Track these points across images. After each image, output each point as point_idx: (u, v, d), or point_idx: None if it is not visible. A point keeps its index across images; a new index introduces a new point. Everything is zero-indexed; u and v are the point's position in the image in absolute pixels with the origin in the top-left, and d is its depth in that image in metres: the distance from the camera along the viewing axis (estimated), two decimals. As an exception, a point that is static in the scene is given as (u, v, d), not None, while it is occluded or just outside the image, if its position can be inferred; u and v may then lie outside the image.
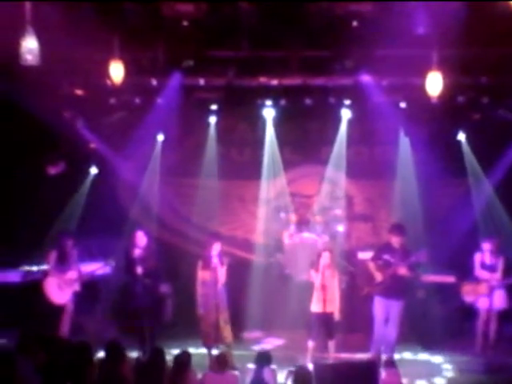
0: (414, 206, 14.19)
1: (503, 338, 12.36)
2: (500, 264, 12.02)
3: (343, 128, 14.29)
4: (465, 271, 12.36)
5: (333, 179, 14.83)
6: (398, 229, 11.74)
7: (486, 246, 12.10)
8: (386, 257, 11.52)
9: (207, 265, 11.52)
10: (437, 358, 12.19)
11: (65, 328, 12.00)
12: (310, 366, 10.50)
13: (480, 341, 12.06)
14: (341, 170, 14.65)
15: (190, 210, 14.96)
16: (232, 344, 11.63)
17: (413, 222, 14.05)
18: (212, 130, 14.54)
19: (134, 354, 10.64)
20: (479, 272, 12.19)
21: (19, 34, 8.73)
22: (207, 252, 11.60)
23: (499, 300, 11.99)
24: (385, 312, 11.57)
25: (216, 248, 11.56)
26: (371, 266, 11.75)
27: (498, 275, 12.02)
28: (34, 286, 12.25)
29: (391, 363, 11.22)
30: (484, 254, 12.13)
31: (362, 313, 12.02)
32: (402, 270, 11.32)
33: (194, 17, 10.37)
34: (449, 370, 11.65)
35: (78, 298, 12.31)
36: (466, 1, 9.62)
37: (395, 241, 11.59)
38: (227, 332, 11.61)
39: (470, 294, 12.15)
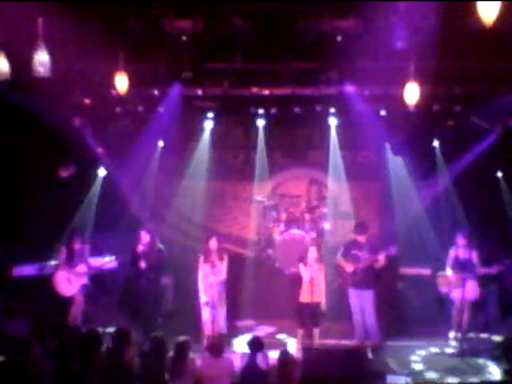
0: (393, 204, 14.25)
1: (475, 326, 12.39)
2: (474, 257, 11.97)
3: (332, 135, 14.35)
4: (440, 264, 12.36)
5: (319, 180, 14.86)
6: (360, 228, 11.84)
7: (461, 240, 12.04)
8: (354, 252, 11.61)
9: (207, 259, 11.56)
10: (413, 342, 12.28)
11: (75, 317, 12.01)
12: (299, 351, 10.57)
13: (454, 328, 12.08)
14: (327, 173, 14.69)
15: (189, 209, 14.94)
16: (225, 335, 11.60)
17: (392, 220, 14.14)
18: (207, 136, 14.56)
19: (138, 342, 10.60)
20: (451, 268, 12.12)
21: (32, 48, 8.75)
22: (206, 247, 11.64)
23: (471, 291, 11.98)
24: (359, 302, 11.61)
25: (213, 243, 11.55)
26: (340, 260, 11.78)
27: (471, 269, 11.96)
28: (48, 279, 12.26)
29: (378, 348, 11.33)
30: (458, 249, 12.09)
31: (345, 302, 12.03)
32: (381, 257, 11.40)
33: (192, 32, 10.37)
34: (424, 351, 11.76)
35: (87, 289, 12.31)
36: (442, 0, 9.57)
37: (360, 238, 11.68)
38: (222, 324, 11.60)
39: (445, 286, 12.13)
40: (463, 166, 13.86)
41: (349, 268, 11.59)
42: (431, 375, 10.51)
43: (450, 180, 14.10)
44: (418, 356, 11.57)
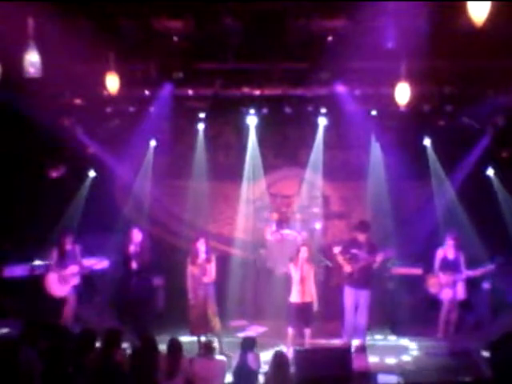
0: (384, 204, 14.25)
1: (463, 326, 12.46)
2: (461, 259, 12.03)
3: (320, 134, 14.35)
4: (430, 264, 12.39)
5: (311, 180, 14.86)
6: (363, 226, 11.88)
7: (450, 241, 12.09)
8: (354, 251, 11.62)
9: (194, 260, 11.52)
10: (404, 341, 12.32)
11: (67, 318, 12.01)
12: (290, 352, 10.56)
13: (442, 327, 12.14)
14: (318, 172, 14.68)
15: (180, 209, 14.95)
16: (220, 333, 11.61)
17: (383, 220, 14.14)
18: (201, 136, 14.55)
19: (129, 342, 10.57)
20: (440, 269, 12.16)
21: (22, 48, 8.71)
22: (194, 248, 11.60)
23: (460, 291, 12.03)
24: (354, 301, 11.66)
25: (201, 244, 11.51)
26: (340, 259, 11.81)
27: (460, 270, 12.02)
28: (39, 280, 12.24)
29: (361, 349, 11.38)
30: (447, 249, 12.12)
31: (335, 302, 12.04)
32: (379, 258, 11.41)
33: (183, 32, 10.30)
34: (414, 350, 11.83)
35: (79, 290, 12.30)
36: (433, 0, 9.56)
37: (361, 237, 11.70)
38: (215, 322, 11.58)
39: (435, 286, 12.18)
40: (456, 165, 13.91)
41: (347, 269, 11.62)
42: (422, 374, 10.54)
43: (442, 179, 14.12)
44: (409, 355, 11.61)
